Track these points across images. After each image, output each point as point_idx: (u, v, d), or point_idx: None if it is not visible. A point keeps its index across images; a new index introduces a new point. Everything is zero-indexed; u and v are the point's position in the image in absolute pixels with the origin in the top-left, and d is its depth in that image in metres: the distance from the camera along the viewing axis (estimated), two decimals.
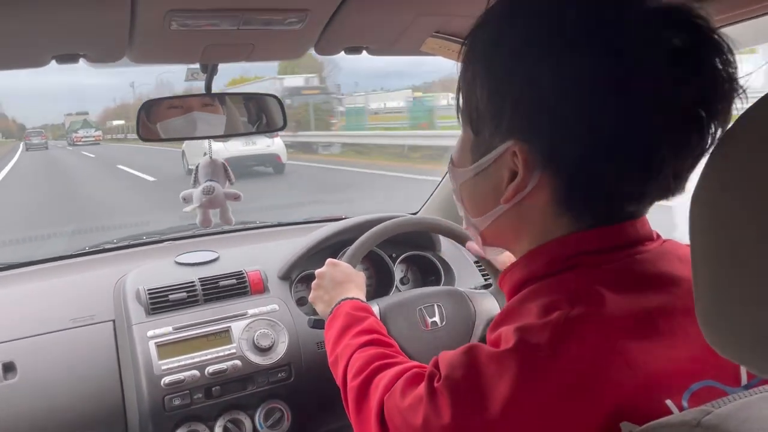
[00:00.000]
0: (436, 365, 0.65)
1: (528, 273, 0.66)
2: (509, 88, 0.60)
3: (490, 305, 1.30)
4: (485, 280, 1.61)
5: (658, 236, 0.67)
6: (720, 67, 0.55)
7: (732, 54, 0.56)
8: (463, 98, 0.66)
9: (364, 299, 1.11)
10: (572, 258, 0.63)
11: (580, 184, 0.60)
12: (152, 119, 1.22)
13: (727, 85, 0.56)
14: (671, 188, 0.61)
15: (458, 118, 0.69)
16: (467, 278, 1.59)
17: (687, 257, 0.64)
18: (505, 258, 1.25)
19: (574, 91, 0.56)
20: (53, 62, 0.92)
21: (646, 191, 0.61)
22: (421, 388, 0.64)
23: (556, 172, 0.60)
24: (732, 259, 0.39)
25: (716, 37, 0.55)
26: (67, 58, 0.90)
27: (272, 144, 12.30)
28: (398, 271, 1.64)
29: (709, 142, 0.57)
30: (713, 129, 0.57)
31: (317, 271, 1.18)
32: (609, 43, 0.55)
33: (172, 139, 1.23)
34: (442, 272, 1.63)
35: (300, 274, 1.55)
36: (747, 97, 0.57)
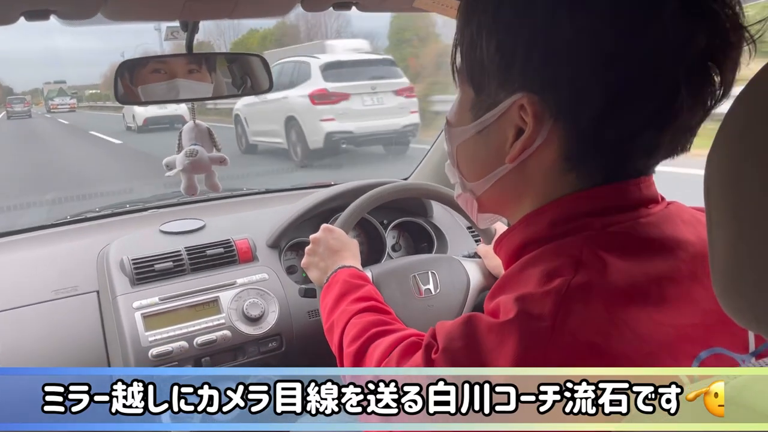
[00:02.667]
0: (434, 336, 0.62)
1: (527, 236, 0.63)
2: (520, 36, 0.56)
3: (484, 272, 1.28)
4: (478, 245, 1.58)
5: (663, 199, 0.64)
6: (727, 16, 0.53)
7: (740, 5, 0.54)
8: (462, 55, 0.62)
9: (360, 268, 1.09)
10: (574, 220, 0.60)
11: (592, 138, 0.57)
12: (134, 82, 1.16)
13: (733, 36, 0.54)
14: (680, 143, 0.59)
15: (454, 77, 0.65)
16: (460, 244, 1.56)
17: (691, 220, 0.63)
18: (497, 225, 1.23)
19: (591, 38, 0.53)
20: (23, 20, 0.86)
21: (658, 146, 0.58)
22: (418, 358, 0.62)
23: (566, 126, 0.57)
24: (751, 224, 0.37)
25: None
26: (37, 14, 0.84)
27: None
28: (390, 238, 1.61)
29: (720, 94, 0.56)
30: (723, 80, 0.55)
31: (312, 237, 1.15)
32: None
33: (153, 102, 1.17)
34: (435, 238, 1.60)
35: (289, 242, 1.51)
36: (756, 48, 0.55)
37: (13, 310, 1.27)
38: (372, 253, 1.59)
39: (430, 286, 1.23)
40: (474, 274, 1.28)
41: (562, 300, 0.53)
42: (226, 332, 1.29)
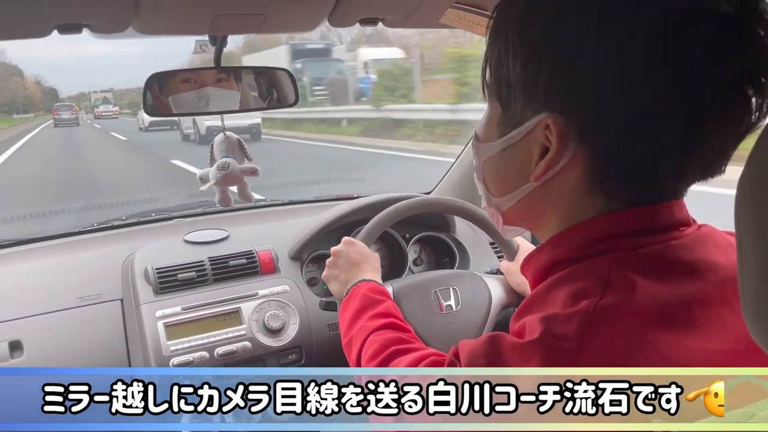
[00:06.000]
0: (456, 354, 0.62)
1: (555, 257, 0.62)
2: (545, 56, 0.55)
3: (507, 289, 1.26)
4: (501, 261, 1.57)
5: (695, 221, 0.63)
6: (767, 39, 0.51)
7: None
8: (491, 71, 0.62)
9: (381, 282, 1.08)
10: (603, 241, 0.59)
11: (617, 160, 0.56)
12: (164, 92, 1.18)
13: None
14: (712, 167, 0.57)
15: (484, 92, 0.64)
16: (482, 260, 1.55)
17: (724, 244, 0.61)
18: (520, 241, 1.21)
19: (618, 58, 0.52)
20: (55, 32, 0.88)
21: (687, 169, 0.57)
22: None
23: (592, 147, 0.56)
24: None
25: (765, 7, 0.52)
26: (70, 27, 0.86)
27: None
28: (411, 252, 1.61)
29: (755, 118, 0.54)
30: (759, 104, 0.53)
31: (333, 249, 1.15)
32: (656, 7, 0.51)
33: (183, 114, 1.19)
34: (457, 254, 1.59)
35: (312, 254, 1.51)
36: None
37: (39, 316, 1.28)
38: (393, 266, 1.58)
39: (452, 302, 1.22)
40: (496, 290, 1.26)
41: (589, 321, 0.52)
42: (247, 343, 1.29)
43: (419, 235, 1.61)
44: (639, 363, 0.52)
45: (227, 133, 1.27)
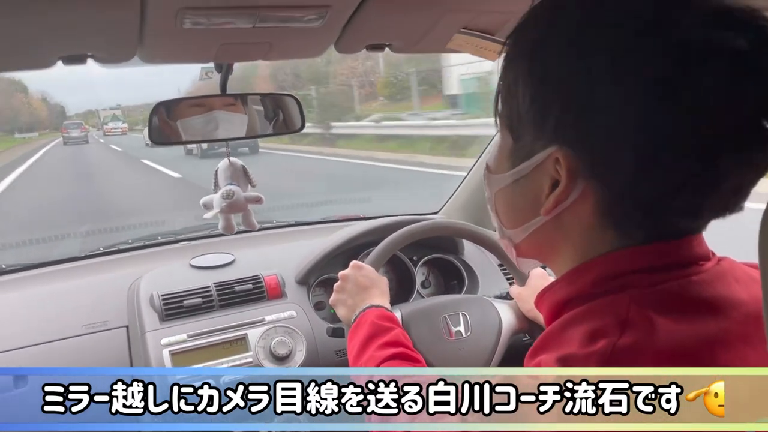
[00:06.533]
0: None
1: (570, 292, 0.60)
2: (555, 91, 0.54)
3: (518, 315, 1.24)
4: (510, 285, 1.55)
5: (714, 255, 0.61)
6: None
7: None
8: (502, 101, 0.61)
9: (389, 307, 1.07)
10: (620, 277, 0.57)
11: (628, 197, 0.54)
12: (172, 117, 1.17)
13: None
14: (729, 204, 0.55)
15: (496, 122, 0.63)
16: (492, 284, 1.53)
17: (745, 278, 0.59)
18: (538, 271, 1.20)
19: (628, 94, 0.50)
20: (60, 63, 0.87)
21: (702, 207, 0.55)
22: None
23: (601, 183, 0.55)
24: None
25: None
26: (75, 59, 0.85)
27: None
28: (419, 275, 1.59)
29: None
30: None
31: (341, 273, 1.13)
32: (668, 43, 0.50)
33: (190, 142, 1.18)
34: (466, 276, 1.57)
35: (318, 278, 1.50)
36: None
37: (44, 345, 1.28)
38: (401, 289, 1.57)
39: (461, 327, 1.20)
40: (507, 316, 1.24)
41: (607, 362, 0.51)
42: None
43: (427, 258, 1.59)
44: None
45: (231, 159, 1.26)
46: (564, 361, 0.52)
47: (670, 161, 0.51)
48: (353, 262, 1.15)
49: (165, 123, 1.17)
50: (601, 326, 0.53)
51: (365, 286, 1.09)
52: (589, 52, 0.52)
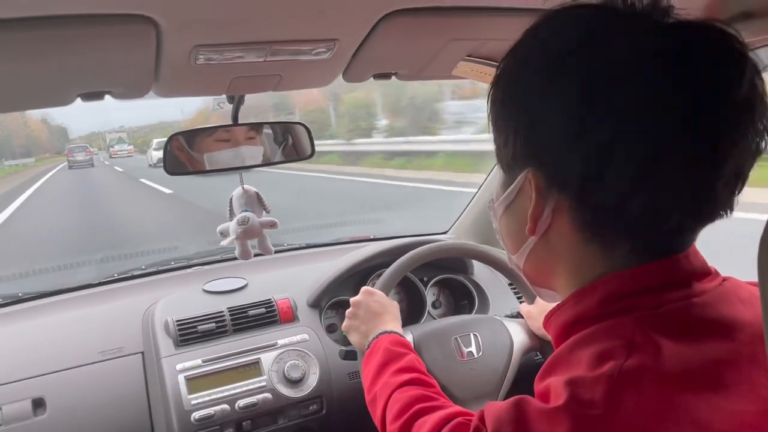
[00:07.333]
0: (482, 419, 0.61)
1: (576, 314, 0.62)
2: (511, 117, 0.60)
3: (529, 333, 1.25)
4: (520, 303, 1.56)
5: (716, 272, 0.62)
6: (757, 90, 0.53)
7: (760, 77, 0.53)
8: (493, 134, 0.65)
9: (401, 331, 1.08)
10: (625, 298, 0.58)
11: (593, 204, 0.57)
12: (196, 149, 1.20)
13: (759, 109, 0.53)
14: (701, 210, 0.57)
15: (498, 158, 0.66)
16: (502, 303, 1.54)
17: (749, 298, 0.60)
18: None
19: (563, 113, 0.55)
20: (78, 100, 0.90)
21: (662, 212, 0.56)
22: None
23: (567, 195, 0.58)
24: None
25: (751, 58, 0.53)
26: (93, 95, 0.89)
27: None
28: (430, 295, 1.60)
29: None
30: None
31: (352, 300, 1.15)
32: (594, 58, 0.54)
33: (206, 172, 1.21)
34: (476, 296, 1.58)
35: (330, 300, 1.51)
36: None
37: (62, 372, 1.29)
38: (412, 310, 1.58)
39: (473, 348, 1.20)
40: (517, 335, 1.25)
41: (615, 385, 0.52)
42: (268, 395, 1.28)
43: (437, 278, 1.60)
44: (670, 428, 0.51)
45: (245, 186, 1.29)
46: (572, 384, 0.53)
47: (614, 168, 0.54)
48: (364, 288, 1.16)
49: (187, 155, 1.20)
50: (608, 348, 0.54)
51: (377, 312, 1.10)
52: (529, 79, 0.57)
